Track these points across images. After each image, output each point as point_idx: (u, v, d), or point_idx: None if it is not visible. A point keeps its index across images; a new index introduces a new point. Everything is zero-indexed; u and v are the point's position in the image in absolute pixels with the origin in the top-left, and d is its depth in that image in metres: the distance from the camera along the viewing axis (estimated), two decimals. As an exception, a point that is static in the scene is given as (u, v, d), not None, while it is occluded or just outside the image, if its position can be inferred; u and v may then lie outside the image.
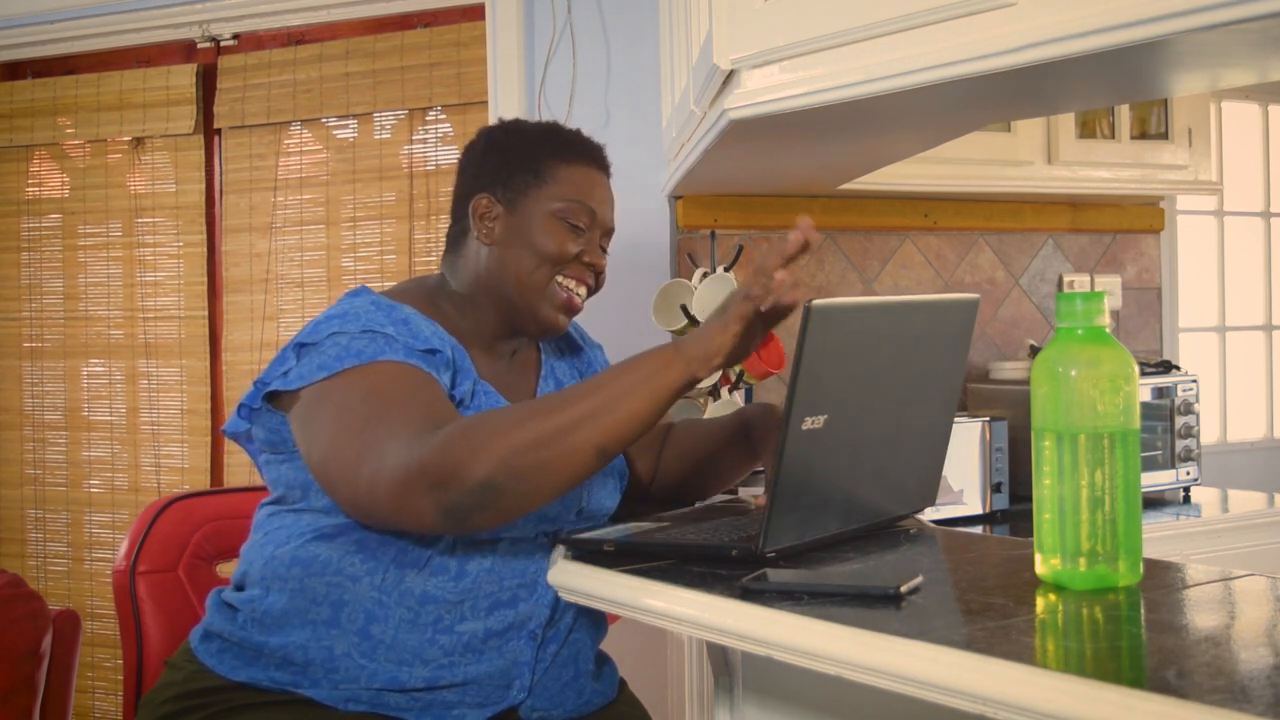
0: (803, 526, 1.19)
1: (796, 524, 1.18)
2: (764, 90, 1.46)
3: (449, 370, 1.34)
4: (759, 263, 1.21)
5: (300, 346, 1.32)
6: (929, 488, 1.38)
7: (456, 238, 1.49)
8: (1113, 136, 2.70)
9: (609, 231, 1.50)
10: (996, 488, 2.33)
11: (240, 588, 1.38)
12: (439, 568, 1.31)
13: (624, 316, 2.63)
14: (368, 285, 1.45)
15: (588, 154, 1.49)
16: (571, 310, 1.46)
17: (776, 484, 1.14)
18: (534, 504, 1.20)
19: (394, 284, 1.53)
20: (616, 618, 1.43)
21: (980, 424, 2.32)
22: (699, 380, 1.20)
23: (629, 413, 1.18)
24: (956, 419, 2.33)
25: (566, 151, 1.47)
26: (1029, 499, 1.05)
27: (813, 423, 1.14)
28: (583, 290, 1.46)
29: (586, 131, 1.55)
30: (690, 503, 1.58)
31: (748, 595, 1.03)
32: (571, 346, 1.62)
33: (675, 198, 2.59)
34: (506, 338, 1.48)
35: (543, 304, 1.43)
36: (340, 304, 1.37)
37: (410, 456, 1.17)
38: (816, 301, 1.09)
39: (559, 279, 1.44)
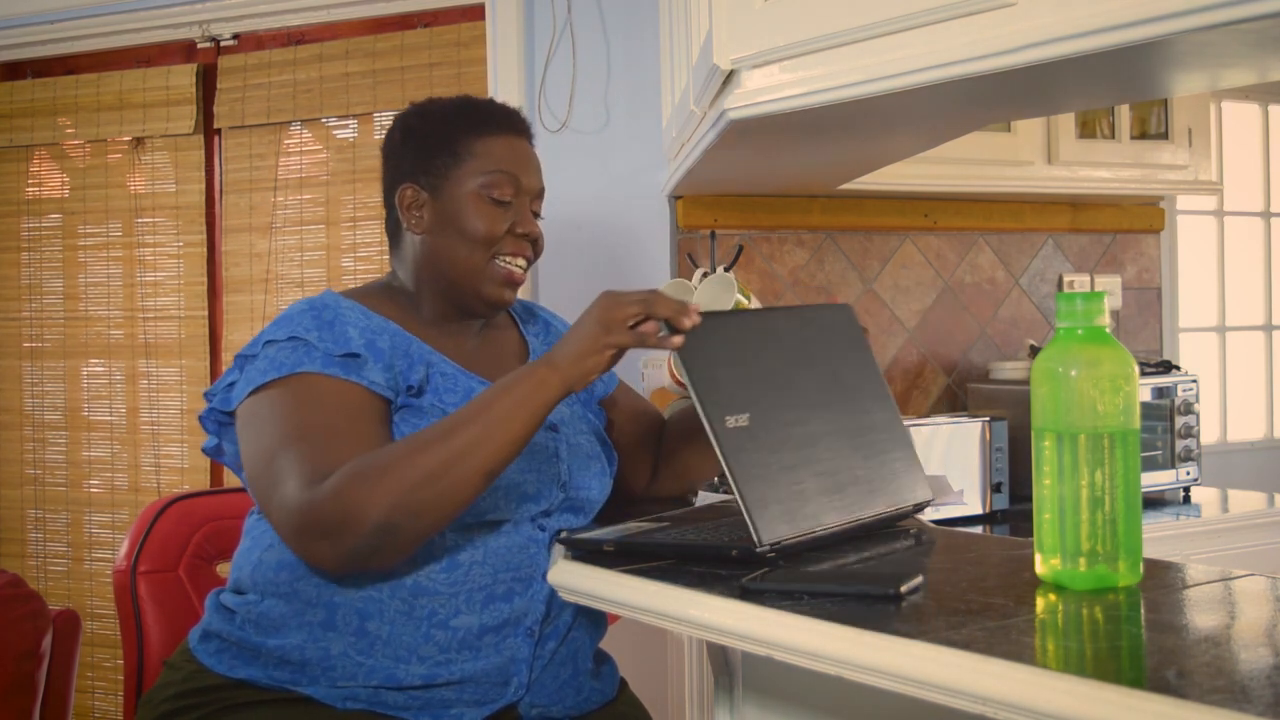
0: (794, 516, 1.19)
1: (784, 514, 1.18)
2: (764, 90, 1.46)
3: (381, 363, 1.33)
4: (652, 302, 1.21)
5: (244, 358, 1.36)
6: (916, 478, 1.38)
7: (393, 231, 1.49)
8: (1113, 136, 2.70)
9: (539, 194, 1.49)
10: (996, 488, 2.33)
11: (237, 591, 1.39)
12: (428, 557, 1.31)
13: (624, 316, 2.63)
14: (330, 289, 1.46)
15: (503, 122, 1.47)
16: (514, 284, 1.46)
17: (732, 476, 1.16)
18: (431, 535, 1.24)
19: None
20: (616, 617, 1.43)
21: (980, 424, 2.32)
22: (575, 392, 1.24)
23: (511, 434, 1.21)
24: (956, 419, 2.34)
25: (480, 125, 1.45)
26: (1029, 499, 1.05)
27: (737, 420, 1.18)
28: (521, 262, 1.46)
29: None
30: (698, 487, 1.59)
31: (748, 595, 1.03)
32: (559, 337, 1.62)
33: (675, 198, 2.59)
34: (461, 318, 1.48)
35: (484, 284, 1.43)
36: (287, 308, 1.40)
37: (303, 503, 1.20)
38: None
39: (497, 260, 1.43)
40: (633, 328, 1.21)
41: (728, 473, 1.16)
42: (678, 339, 1.18)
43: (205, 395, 1.40)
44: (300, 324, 1.33)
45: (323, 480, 1.20)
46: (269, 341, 1.34)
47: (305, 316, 1.35)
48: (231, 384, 1.36)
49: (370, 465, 1.20)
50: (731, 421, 1.18)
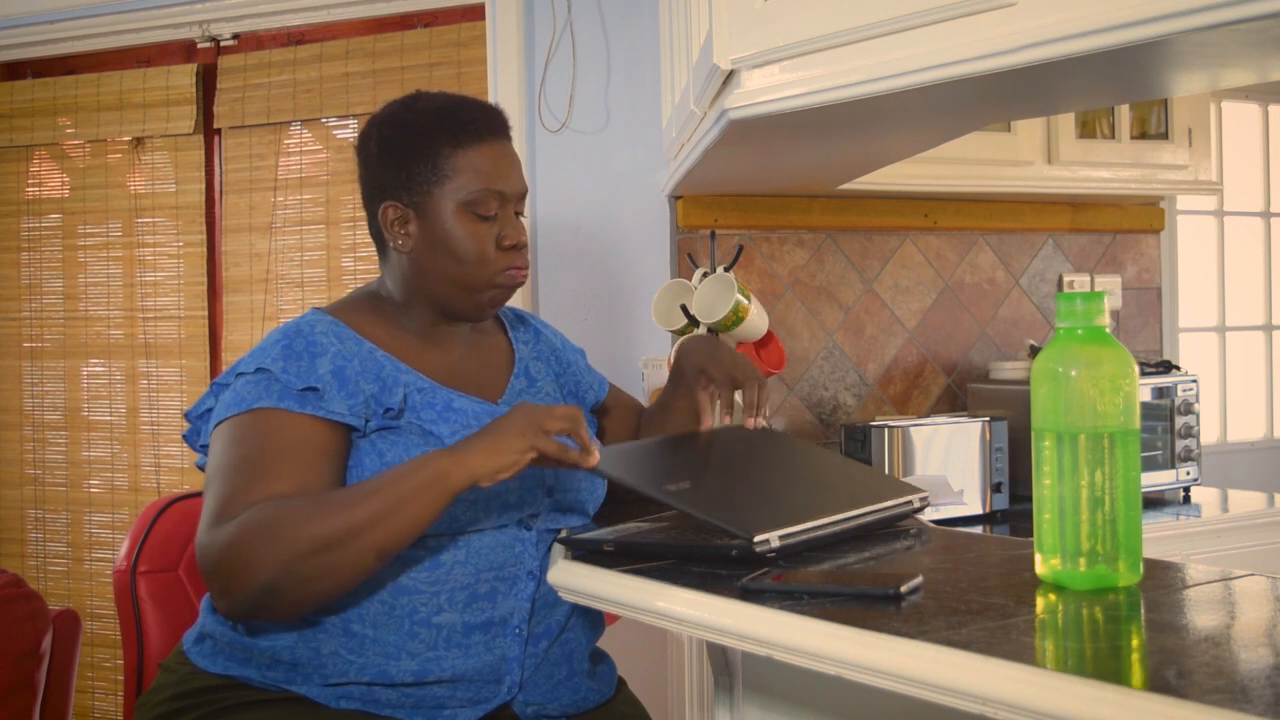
0: (777, 517, 1.19)
1: (766, 515, 1.19)
2: (764, 90, 1.45)
3: (346, 390, 1.32)
4: (577, 423, 1.25)
5: (219, 387, 1.38)
6: (896, 484, 1.39)
7: (377, 241, 1.48)
8: (1113, 136, 2.70)
9: (522, 196, 1.46)
10: (996, 488, 2.33)
11: None
12: (409, 559, 1.31)
13: (624, 317, 2.63)
14: (316, 307, 1.45)
15: (484, 130, 1.42)
16: (518, 285, 1.45)
17: (692, 509, 1.20)
18: (316, 604, 1.25)
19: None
20: (615, 618, 1.43)
21: (980, 424, 2.33)
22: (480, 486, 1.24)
23: (409, 518, 1.21)
24: (956, 419, 2.34)
25: (461, 136, 1.40)
26: (1029, 499, 1.05)
27: (679, 485, 1.25)
28: (520, 263, 1.44)
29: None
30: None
31: (748, 595, 1.03)
32: (550, 348, 1.61)
33: (675, 198, 2.59)
34: (450, 324, 1.47)
35: (484, 294, 1.43)
36: (269, 333, 1.40)
37: (201, 547, 1.22)
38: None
39: (497, 276, 1.41)
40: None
41: (685, 509, 1.20)
42: (594, 458, 1.24)
43: (185, 416, 1.42)
44: (270, 355, 1.33)
45: (227, 522, 1.21)
46: (240, 374, 1.35)
47: (277, 347, 1.34)
48: (208, 411, 1.38)
49: (268, 522, 1.20)
50: (673, 486, 1.24)
